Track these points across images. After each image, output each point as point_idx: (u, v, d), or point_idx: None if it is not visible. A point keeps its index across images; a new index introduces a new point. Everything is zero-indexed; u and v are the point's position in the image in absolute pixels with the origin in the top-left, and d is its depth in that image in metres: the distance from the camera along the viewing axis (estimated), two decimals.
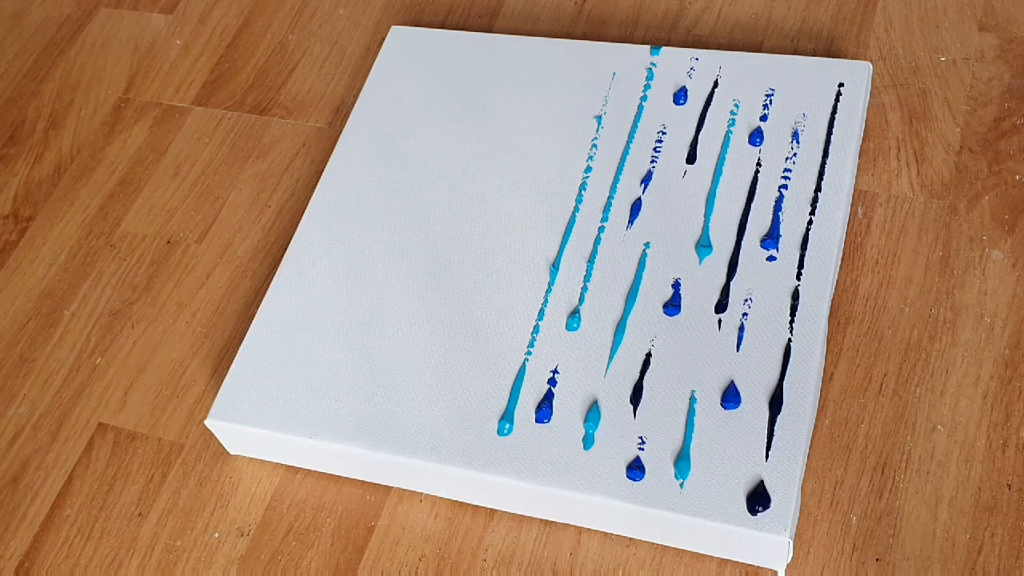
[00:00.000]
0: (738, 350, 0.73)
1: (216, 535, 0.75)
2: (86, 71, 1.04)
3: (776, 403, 0.70)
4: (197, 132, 0.97)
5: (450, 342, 0.76)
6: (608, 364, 0.73)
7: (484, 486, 0.71)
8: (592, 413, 0.71)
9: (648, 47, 0.89)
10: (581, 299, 0.77)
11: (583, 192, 0.82)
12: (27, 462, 0.80)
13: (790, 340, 0.72)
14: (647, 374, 0.72)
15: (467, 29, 0.97)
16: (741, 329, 0.73)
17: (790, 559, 0.67)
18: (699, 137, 0.83)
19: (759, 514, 0.66)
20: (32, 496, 0.78)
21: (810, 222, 0.77)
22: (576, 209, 0.81)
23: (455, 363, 0.75)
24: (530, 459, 0.70)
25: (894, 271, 0.78)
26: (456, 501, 0.74)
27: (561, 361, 0.74)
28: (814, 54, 0.90)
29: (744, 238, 0.77)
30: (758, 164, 0.81)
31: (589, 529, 0.71)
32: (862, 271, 0.78)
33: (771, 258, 0.76)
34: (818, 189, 0.79)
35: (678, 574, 0.69)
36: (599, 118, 0.85)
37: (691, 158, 0.82)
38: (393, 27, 0.95)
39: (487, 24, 0.98)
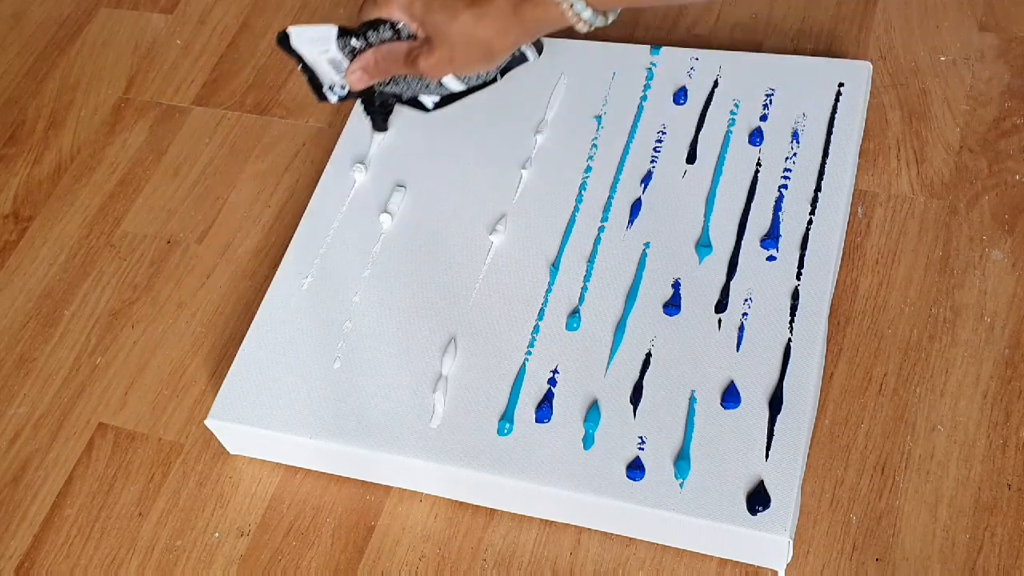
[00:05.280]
0: (738, 350, 0.73)
1: (216, 535, 0.75)
2: (86, 71, 1.04)
3: (776, 403, 0.70)
4: (197, 132, 0.97)
5: (450, 342, 0.76)
6: (608, 364, 0.73)
7: (484, 486, 0.71)
8: (592, 413, 0.71)
9: (648, 47, 0.89)
10: (581, 299, 0.77)
11: (583, 192, 0.82)
12: (27, 462, 0.80)
13: (790, 340, 0.72)
14: (647, 374, 0.72)
15: None
16: (741, 329, 0.73)
17: (790, 559, 0.67)
18: (699, 137, 0.83)
19: (759, 514, 0.66)
20: (32, 496, 0.78)
21: (810, 222, 0.77)
22: (576, 209, 0.81)
23: (455, 363, 0.75)
24: (530, 459, 0.70)
25: (894, 271, 0.78)
26: (456, 501, 0.74)
27: (561, 361, 0.74)
28: (814, 54, 0.90)
29: (744, 238, 0.77)
30: (758, 164, 0.81)
31: (589, 529, 0.71)
32: (862, 271, 0.78)
33: (771, 258, 0.76)
34: (818, 189, 0.79)
35: (678, 574, 0.69)
36: (599, 118, 0.85)
37: (691, 158, 0.82)
38: None
39: None
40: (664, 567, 0.69)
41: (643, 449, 0.69)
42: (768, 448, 0.68)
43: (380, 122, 0.81)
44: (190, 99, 0.99)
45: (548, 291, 0.77)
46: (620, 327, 0.75)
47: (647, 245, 0.78)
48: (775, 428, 0.69)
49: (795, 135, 0.82)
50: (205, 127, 0.97)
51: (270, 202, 0.91)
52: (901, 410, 0.72)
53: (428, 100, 0.77)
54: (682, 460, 0.68)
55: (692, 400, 0.71)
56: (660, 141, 0.83)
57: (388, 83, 0.75)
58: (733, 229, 0.78)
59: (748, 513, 0.66)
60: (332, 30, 0.73)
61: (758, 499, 0.66)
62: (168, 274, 0.88)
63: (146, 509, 0.77)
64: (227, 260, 0.88)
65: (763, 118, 0.83)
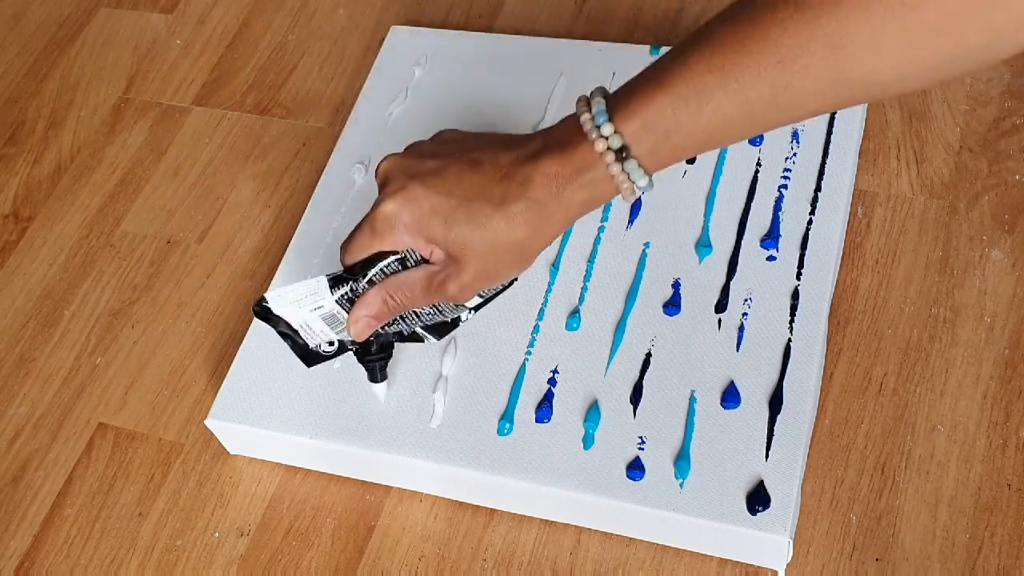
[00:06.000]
0: (738, 350, 0.73)
1: (216, 535, 0.75)
2: (86, 71, 1.04)
3: (776, 403, 0.70)
4: (197, 132, 0.97)
5: (450, 342, 0.76)
6: (608, 364, 0.73)
7: (484, 486, 0.71)
8: (592, 413, 0.71)
9: (648, 47, 0.89)
10: (581, 299, 0.77)
11: None
12: (27, 462, 0.80)
13: (790, 340, 0.72)
14: (647, 374, 0.72)
15: (467, 29, 0.97)
16: (741, 329, 0.73)
17: (790, 559, 0.67)
18: None
19: (759, 514, 0.66)
20: (32, 496, 0.78)
21: (810, 222, 0.77)
22: None
23: (455, 363, 0.75)
24: (530, 459, 0.70)
25: (894, 271, 0.78)
26: (456, 501, 0.74)
27: (561, 361, 0.74)
28: None
29: (744, 238, 0.77)
30: (758, 164, 0.81)
31: (589, 529, 0.71)
32: (862, 271, 0.78)
33: (771, 258, 0.76)
34: (818, 189, 0.79)
35: (678, 574, 0.69)
36: None
37: (691, 158, 0.82)
38: (393, 27, 0.95)
39: (487, 24, 0.98)
40: (664, 567, 0.69)
41: (643, 449, 0.69)
42: (768, 448, 0.68)
43: (380, 370, 0.70)
44: (190, 99, 0.99)
45: (548, 291, 0.77)
46: (620, 327, 0.75)
47: (647, 245, 0.78)
48: (775, 428, 0.69)
49: (795, 135, 0.82)
50: (205, 127, 0.97)
51: (270, 202, 0.91)
52: (901, 410, 0.72)
53: (431, 335, 0.69)
54: (682, 460, 0.68)
55: (692, 400, 0.71)
56: None
57: (392, 322, 0.66)
58: (733, 229, 0.78)
59: (748, 513, 0.66)
60: (321, 282, 0.64)
61: (758, 499, 0.66)
62: (168, 274, 0.88)
63: (146, 509, 0.77)
64: (227, 260, 0.88)
65: None
